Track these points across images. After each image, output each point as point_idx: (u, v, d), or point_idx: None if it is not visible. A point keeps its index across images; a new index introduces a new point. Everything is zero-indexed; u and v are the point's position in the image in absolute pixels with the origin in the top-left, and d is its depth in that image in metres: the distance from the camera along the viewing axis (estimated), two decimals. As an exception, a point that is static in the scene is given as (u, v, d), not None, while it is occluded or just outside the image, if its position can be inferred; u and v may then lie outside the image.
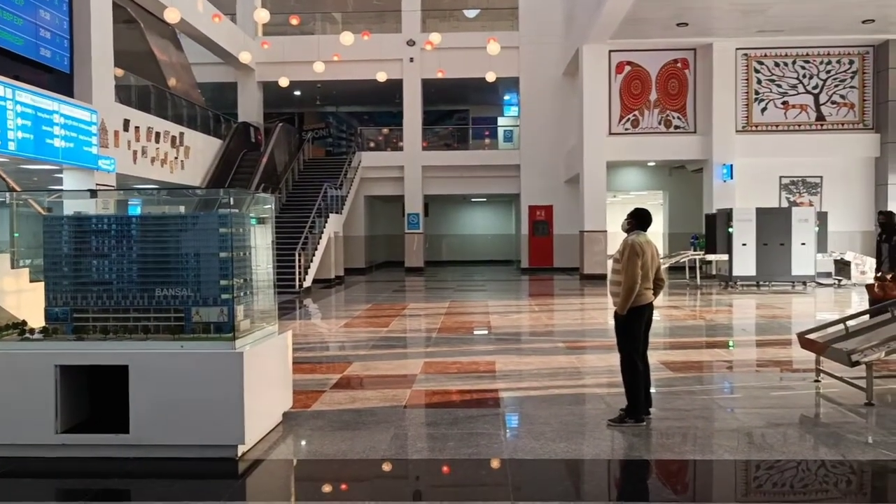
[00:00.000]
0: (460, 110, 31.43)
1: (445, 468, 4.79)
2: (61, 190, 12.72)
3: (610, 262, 9.13)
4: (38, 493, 4.41)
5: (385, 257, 30.28)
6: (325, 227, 20.25)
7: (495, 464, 4.80)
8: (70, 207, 5.99)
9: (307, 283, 18.60)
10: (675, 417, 5.87)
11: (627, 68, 21.75)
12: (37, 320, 5.51)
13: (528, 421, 5.83)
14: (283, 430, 5.56)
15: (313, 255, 19.31)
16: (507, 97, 30.26)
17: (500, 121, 30.81)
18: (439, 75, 23.32)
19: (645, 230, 5.80)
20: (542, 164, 25.11)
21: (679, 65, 21.71)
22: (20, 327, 5.27)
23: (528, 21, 25.02)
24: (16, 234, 8.48)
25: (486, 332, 11.23)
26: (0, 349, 4.99)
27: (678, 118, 21.78)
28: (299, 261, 18.08)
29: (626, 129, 21.83)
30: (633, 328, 5.64)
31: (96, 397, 5.23)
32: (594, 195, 21.35)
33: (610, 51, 21.44)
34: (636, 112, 21.81)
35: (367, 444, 5.20)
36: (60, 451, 4.87)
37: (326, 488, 4.51)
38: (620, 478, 4.85)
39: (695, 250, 20.22)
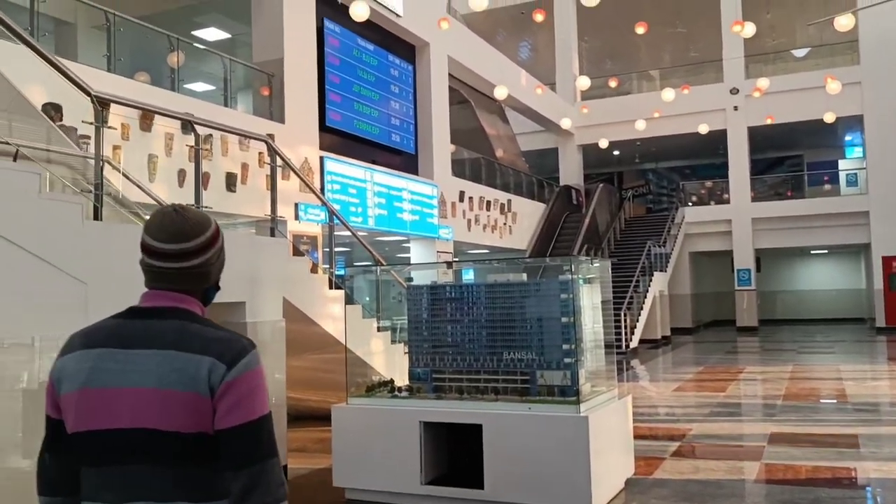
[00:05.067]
0: (792, 156, 29.13)
1: (811, 555, 4.34)
2: (420, 264, 14.11)
3: None
4: (408, 539, 4.85)
5: (713, 316, 28.76)
6: (649, 285, 19.91)
7: (873, 556, 4.24)
8: (419, 277, 6.66)
9: (633, 343, 18.34)
10: None
11: None
12: (397, 379, 6.16)
13: (909, 509, 5.08)
14: (625, 497, 5.48)
15: (639, 314, 19.04)
16: (848, 137, 27.43)
17: (842, 164, 27.91)
18: (768, 121, 21.93)
19: None
20: (897, 209, 22.19)
21: None
22: (389, 385, 5.93)
23: (871, 52, 22.56)
24: (367, 299, 9.60)
25: (840, 400, 10.06)
26: (374, 405, 5.66)
27: None
28: (625, 321, 17.93)
29: None
30: None
31: (451, 452, 5.65)
32: (969, 242, 18.27)
33: (980, 74, 18.48)
34: None
35: (717, 519, 4.93)
36: (424, 501, 5.32)
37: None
38: None
39: None
